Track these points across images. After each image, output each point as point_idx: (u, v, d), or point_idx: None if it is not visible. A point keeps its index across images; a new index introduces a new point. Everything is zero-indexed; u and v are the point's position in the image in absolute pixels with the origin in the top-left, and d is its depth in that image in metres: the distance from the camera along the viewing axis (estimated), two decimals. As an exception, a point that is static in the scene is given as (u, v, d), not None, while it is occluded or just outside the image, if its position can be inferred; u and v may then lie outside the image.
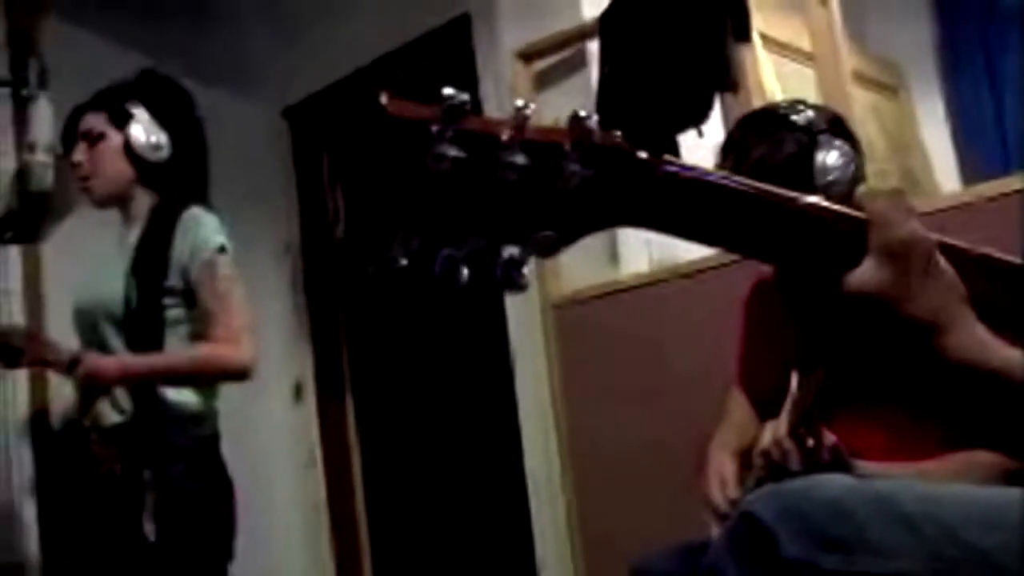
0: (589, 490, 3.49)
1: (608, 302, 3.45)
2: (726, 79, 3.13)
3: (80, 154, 3.00)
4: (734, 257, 2.98)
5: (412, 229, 0.83)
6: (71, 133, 3.04)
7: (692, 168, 0.89)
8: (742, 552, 1.43)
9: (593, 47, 3.41)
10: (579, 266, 3.48)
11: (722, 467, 2.50)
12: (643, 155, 0.87)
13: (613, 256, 3.46)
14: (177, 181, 3.00)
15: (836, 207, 0.95)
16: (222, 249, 2.89)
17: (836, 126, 2.39)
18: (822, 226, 0.94)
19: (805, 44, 3.46)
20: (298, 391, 4.44)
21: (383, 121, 0.80)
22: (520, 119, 0.81)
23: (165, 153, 2.98)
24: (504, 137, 0.82)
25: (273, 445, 4.22)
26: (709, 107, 3.13)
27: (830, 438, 2.06)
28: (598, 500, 3.46)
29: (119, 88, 3.04)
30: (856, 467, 2.03)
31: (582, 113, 0.83)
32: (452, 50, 3.82)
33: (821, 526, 1.37)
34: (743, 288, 2.60)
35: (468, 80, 3.58)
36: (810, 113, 2.39)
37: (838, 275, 0.93)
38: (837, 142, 2.35)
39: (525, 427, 3.65)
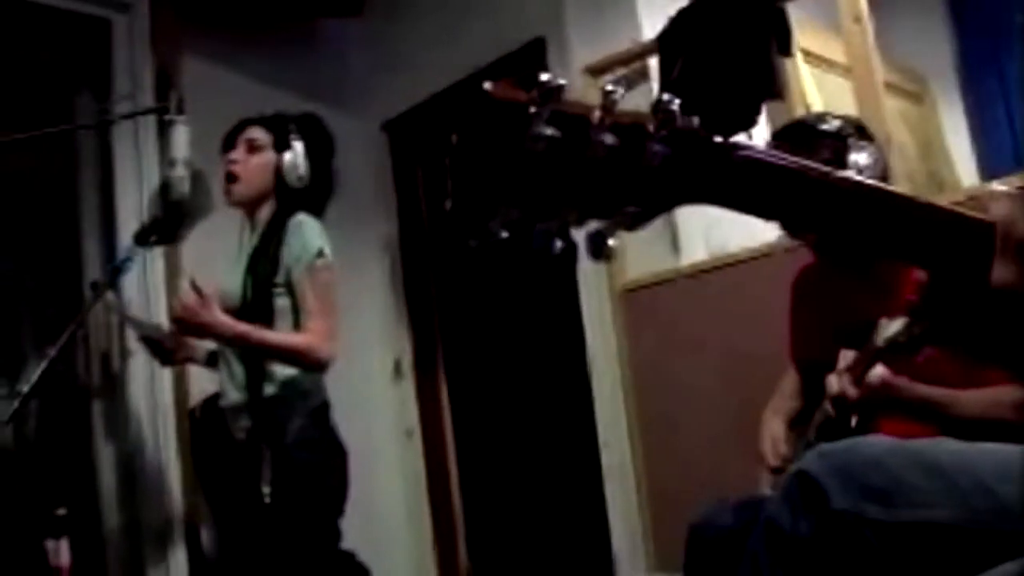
0: (660, 458, 3.45)
1: (669, 288, 3.41)
2: (773, 88, 3.08)
3: (239, 155, 3.05)
4: (783, 246, 2.97)
5: (511, 204, 0.80)
6: (232, 137, 3.09)
7: (763, 151, 0.85)
8: (796, 505, 1.41)
9: (653, 63, 3.38)
10: (643, 255, 3.45)
11: (774, 430, 2.50)
12: (719, 139, 0.83)
13: (674, 246, 3.41)
14: (303, 201, 3.03)
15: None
16: (320, 253, 2.91)
17: (861, 131, 2.38)
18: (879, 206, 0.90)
19: (841, 57, 3.40)
20: (397, 369, 4.45)
21: (487, 104, 0.78)
22: (609, 102, 0.79)
23: (301, 185, 3.03)
24: (595, 118, 0.79)
25: (376, 418, 4.23)
26: (757, 113, 3.08)
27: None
28: (668, 467, 3.43)
29: (286, 118, 3.09)
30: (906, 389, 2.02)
31: (665, 97, 0.80)
32: (529, 69, 3.80)
33: (865, 480, 1.35)
34: (790, 273, 2.57)
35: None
36: (837, 121, 2.38)
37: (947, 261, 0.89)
38: (864, 144, 2.33)
39: (598, 402, 3.63)
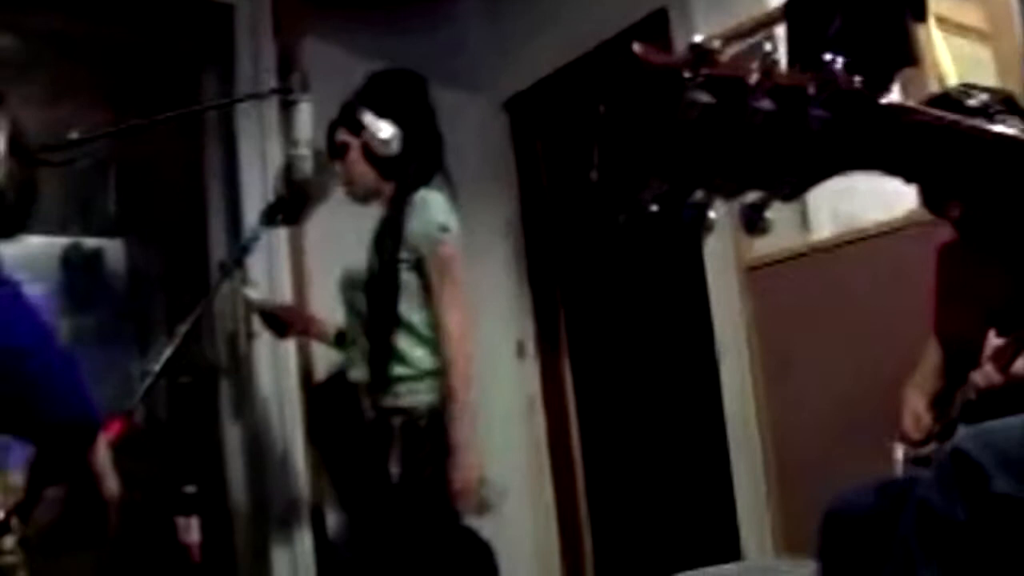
0: (786, 438, 3.38)
1: (797, 264, 3.33)
2: (908, 56, 2.97)
3: (337, 165, 3.10)
4: (912, 220, 2.87)
5: (662, 175, 0.76)
6: (332, 146, 3.13)
7: (937, 113, 0.79)
8: (951, 487, 1.35)
9: (779, 31, 3.28)
10: (771, 231, 3.35)
11: (916, 406, 2.44)
12: (887, 101, 0.78)
13: (802, 220, 3.32)
14: (412, 164, 3.03)
15: None
16: (445, 228, 2.91)
17: (1008, 104, 2.28)
18: None
19: (976, 23, 3.26)
20: (520, 348, 4.43)
21: (637, 70, 0.74)
22: (768, 63, 0.74)
23: (396, 146, 3.01)
24: (752, 82, 0.74)
25: (501, 396, 4.22)
26: (890, 82, 2.97)
27: None
28: (795, 447, 3.35)
29: (354, 98, 3.10)
30: None
31: (827, 57, 0.75)
32: (652, 41, 3.71)
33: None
34: (924, 249, 2.49)
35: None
36: (984, 95, 2.28)
37: None
38: (1012, 119, 2.23)
39: (724, 380, 3.56)
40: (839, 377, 3.17)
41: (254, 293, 3.46)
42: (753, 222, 0.80)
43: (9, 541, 1.38)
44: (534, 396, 4.41)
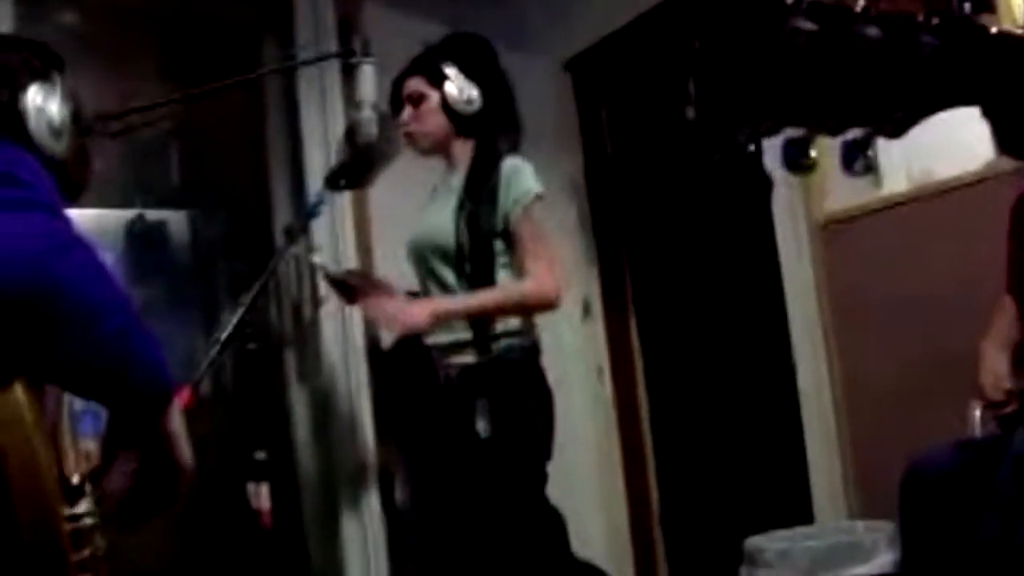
0: (859, 400, 3.33)
1: (870, 220, 3.26)
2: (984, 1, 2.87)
3: (406, 115, 3.08)
4: (989, 173, 2.79)
5: (762, 112, 0.72)
6: (397, 97, 3.11)
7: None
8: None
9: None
10: (842, 185, 3.29)
11: (995, 362, 2.39)
12: (1001, 29, 0.73)
13: (876, 175, 3.24)
14: (491, 127, 3.03)
15: None
16: (540, 196, 2.93)
17: None
18: None
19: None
20: (587, 309, 4.40)
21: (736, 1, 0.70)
22: (875, -11, 0.69)
23: (477, 105, 3.01)
24: (858, 8, 0.70)
25: (566, 358, 4.19)
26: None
27: None
28: (868, 410, 3.30)
29: (432, 51, 3.08)
30: None
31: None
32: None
33: None
34: (1004, 202, 2.42)
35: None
36: None
37: None
38: None
39: (795, 340, 3.50)
40: (914, 336, 3.11)
41: (320, 259, 3.45)
42: (854, 158, 0.76)
43: (85, 505, 1.38)
44: (602, 357, 4.38)
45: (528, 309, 2.94)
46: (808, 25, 0.68)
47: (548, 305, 2.94)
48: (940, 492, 2.09)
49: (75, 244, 1.25)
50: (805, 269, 3.44)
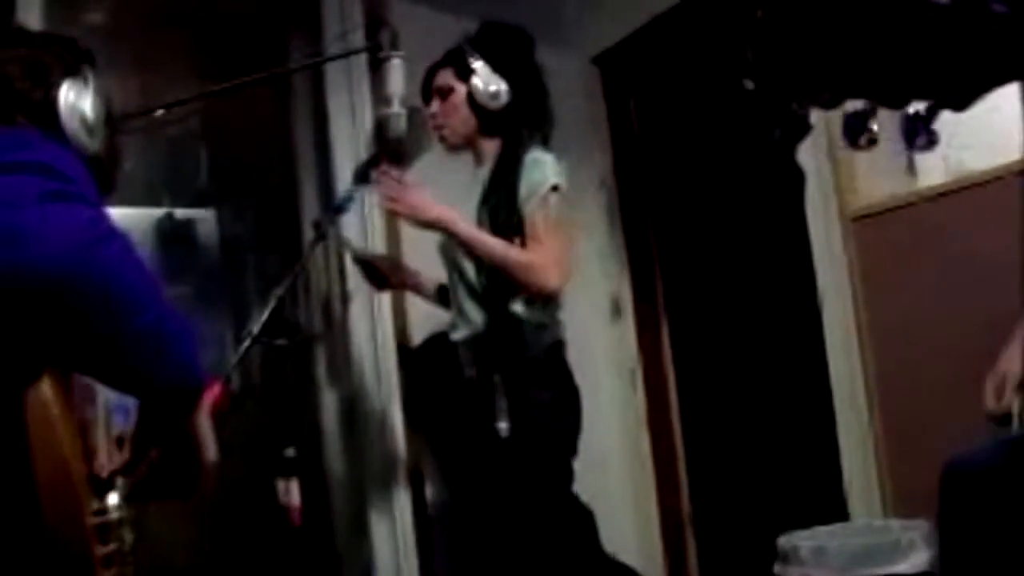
0: (893, 396, 3.28)
1: (905, 213, 3.22)
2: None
3: (435, 107, 3.04)
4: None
5: (823, 83, 0.69)
6: (428, 89, 3.07)
7: None
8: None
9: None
10: (875, 178, 3.26)
11: (1009, 365, 2.34)
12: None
13: (910, 167, 3.20)
14: (520, 123, 2.98)
15: None
16: (555, 188, 2.85)
17: None
18: None
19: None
20: (616, 308, 4.36)
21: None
22: (942, -48, 0.66)
23: (504, 100, 2.96)
24: (925, -28, 0.67)
25: (595, 357, 4.17)
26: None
27: None
28: (902, 406, 3.26)
29: (463, 44, 3.03)
30: None
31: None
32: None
33: None
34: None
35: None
36: None
37: None
38: None
39: (828, 336, 3.46)
40: (949, 330, 3.07)
41: (353, 243, 3.42)
42: (915, 133, 0.73)
43: (114, 498, 1.37)
44: (632, 358, 4.35)
45: (519, 278, 2.84)
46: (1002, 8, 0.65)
47: (536, 284, 2.83)
48: (981, 491, 2.05)
49: (114, 235, 1.26)
50: (838, 263, 3.40)
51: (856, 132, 0.72)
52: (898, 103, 0.70)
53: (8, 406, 1.23)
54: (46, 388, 1.24)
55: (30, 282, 1.16)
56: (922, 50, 0.67)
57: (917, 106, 0.71)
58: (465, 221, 2.89)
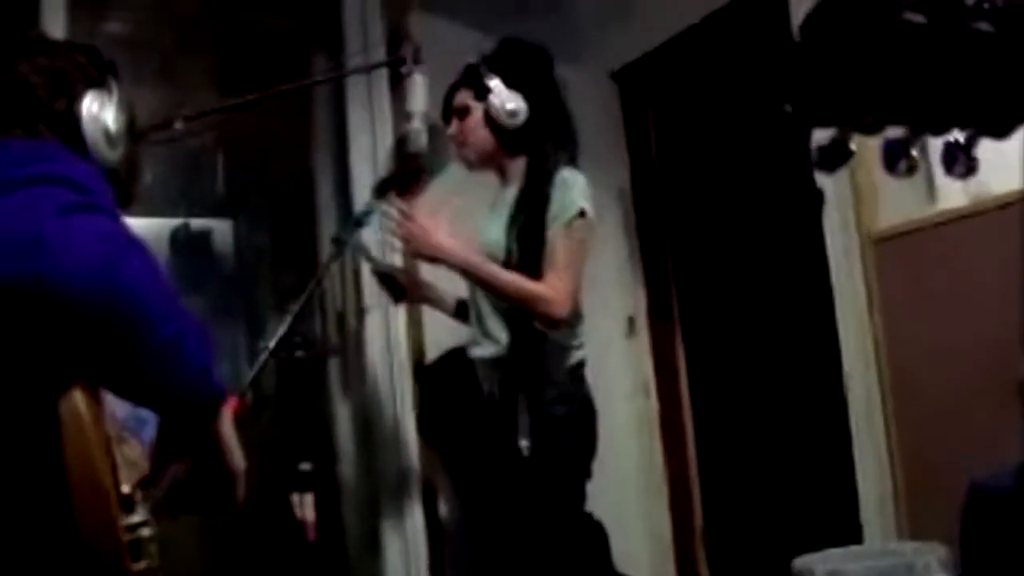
0: (909, 419, 3.26)
1: (925, 236, 3.19)
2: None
3: (454, 127, 3.03)
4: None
5: (864, 107, 0.68)
6: (447, 108, 3.07)
7: None
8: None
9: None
10: (895, 200, 3.24)
11: None
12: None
13: (930, 190, 3.18)
14: (541, 140, 2.95)
15: None
16: (582, 213, 2.84)
17: None
18: None
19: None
20: (631, 326, 4.36)
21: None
22: (985, -16, 0.66)
23: (522, 118, 2.93)
24: (970, 1, 0.66)
25: (610, 375, 4.16)
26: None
27: None
28: (919, 430, 3.23)
29: (480, 61, 3.01)
30: None
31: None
32: (765, 9, 3.58)
33: None
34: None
35: (784, 37, 3.37)
36: None
37: None
38: None
39: (845, 359, 3.43)
40: (968, 354, 3.04)
41: (374, 254, 3.41)
42: (954, 161, 0.73)
43: (141, 514, 1.37)
44: (646, 375, 4.35)
45: (531, 309, 2.83)
46: (917, 18, 0.65)
47: (546, 316, 2.82)
48: (1006, 515, 2.04)
49: (134, 248, 1.25)
50: (856, 285, 3.38)
51: (895, 158, 0.72)
52: (939, 130, 0.70)
53: (43, 417, 1.23)
54: (79, 400, 1.24)
55: (51, 294, 1.15)
56: (966, 77, 0.67)
57: (958, 134, 0.71)
58: (475, 254, 2.88)
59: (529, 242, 2.85)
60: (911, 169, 0.72)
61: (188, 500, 1.46)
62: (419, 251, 2.90)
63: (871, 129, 0.69)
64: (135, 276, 1.23)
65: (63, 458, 1.22)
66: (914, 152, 0.70)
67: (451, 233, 2.87)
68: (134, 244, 1.28)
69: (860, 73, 0.66)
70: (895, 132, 0.71)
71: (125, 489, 1.36)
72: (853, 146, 0.69)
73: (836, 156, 0.70)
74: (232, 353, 3.88)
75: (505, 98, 2.92)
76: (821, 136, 0.72)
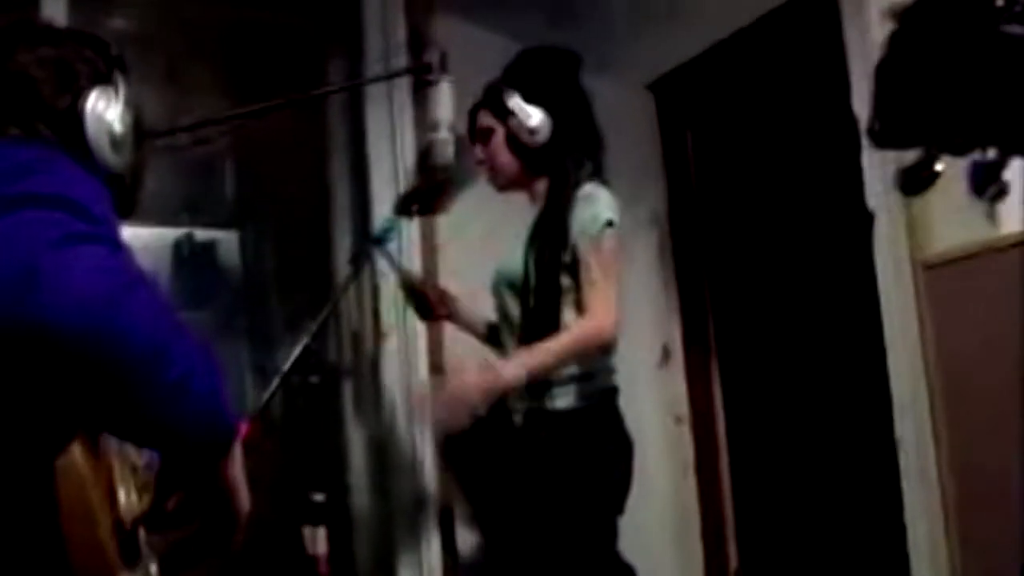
0: (964, 455, 3.22)
1: (984, 262, 3.15)
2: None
3: (479, 152, 3.05)
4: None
5: (954, 126, 0.67)
6: (472, 130, 3.08)
7: None
8: None
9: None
10: (952, 224, 3.21)
11: None
12: None
13: (989, 213, 3.15)
14: (566, 157, 2.95)
15: None
16: (610, 224, 2.84)
17: None
18: None
19: None
20: (666, 354, 4.34)
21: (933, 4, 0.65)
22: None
23: (545, 134, 2.93)
24: (1077, 13, 0.64)
25: (643, 405, 4.13)
26: None
27: None
28: (973, 467, 3.19)
29: (499, 80, 3.02)
30: None
31: None
32: (818, 17, 3.55)
33: None
34: None
35: (834, 47, 3.36)
36: None
37: None
38: None
39: (896, 393, 3.38)
40: (1025, 385, 3.01)
41: (404, 267, 3.38)
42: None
43: (142, 568, 1.36)
44: (681, 405, 4.33)
45: (589, 350, 2.85)
46: (1019, 30, 0.63)
47: (602, 344, 2.85)
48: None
49: (138, 283, 1.21)
50: (908, 314, 3.34)
51: (985, 182, 0.70)
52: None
53: (38, 474, 1.21)
54: (76, 454, 1.23)
55: (45, 337, 1.10)
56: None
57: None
58: (514, 364, 2.83)
59: (545, 262, 2.86)
60: (1001, 193, 0.70)
61: (190, 554, 1.44)
62: (475, 408, 2.81)
63: (960, 150, 0.67)
64: (137, 317, 1.17)
65: (59, 517, 1.20)
66: (1006, 176, 0.68)
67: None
68: (138, 280, 1.23)
69: (953, 89, 0.65)
70: (983, 153, 0.70)
71: (126, 522, 1.35)
72: (939, 167, 0.67)
73: (921, 178, 0.68)
74: (237, 373, 3.87)
75: (525, 116, 2.92)
76: (904, 157, 0.70)
